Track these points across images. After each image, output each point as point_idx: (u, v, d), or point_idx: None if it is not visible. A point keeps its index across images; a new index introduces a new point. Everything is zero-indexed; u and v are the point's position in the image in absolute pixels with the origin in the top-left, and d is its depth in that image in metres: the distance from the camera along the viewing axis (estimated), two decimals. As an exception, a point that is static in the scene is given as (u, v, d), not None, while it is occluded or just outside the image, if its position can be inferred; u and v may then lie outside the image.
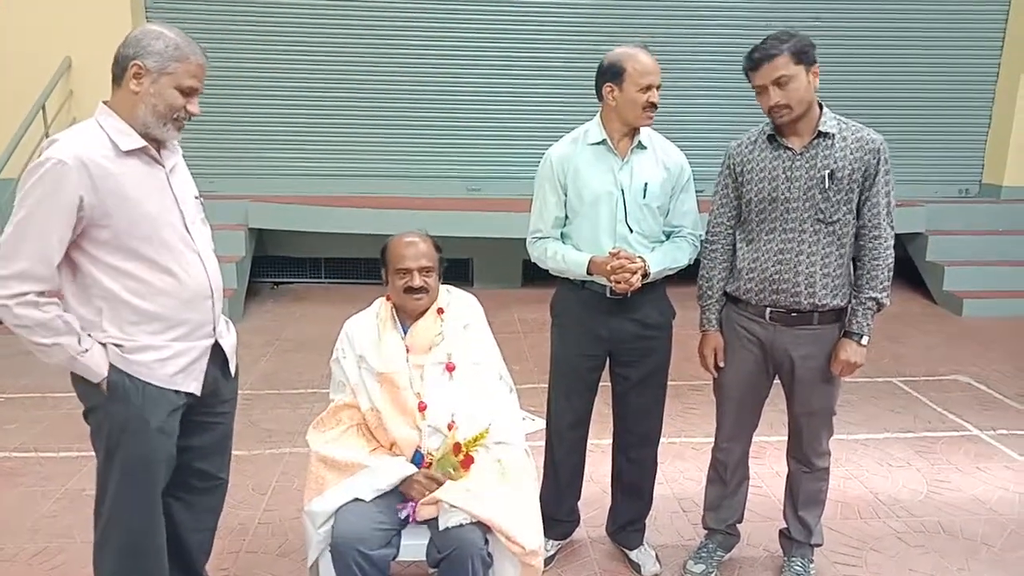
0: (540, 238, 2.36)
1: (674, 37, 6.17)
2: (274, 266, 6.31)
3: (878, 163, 2.13)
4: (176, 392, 1.81)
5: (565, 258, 2.28)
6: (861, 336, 2.18)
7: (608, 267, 2.18)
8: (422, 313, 2.11)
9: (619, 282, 2.17)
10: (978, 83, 6.59)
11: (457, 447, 1.98)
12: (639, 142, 2.27)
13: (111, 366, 1.73)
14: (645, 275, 2.19)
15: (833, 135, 2.13)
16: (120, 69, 1.72)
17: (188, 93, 1.75)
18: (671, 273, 2.32)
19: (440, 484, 1.93)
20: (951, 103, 6.60)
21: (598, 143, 2.27)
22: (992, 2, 6.43)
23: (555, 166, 2.31)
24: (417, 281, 2.05)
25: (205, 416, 1.94)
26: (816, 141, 2.14)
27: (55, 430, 3.46)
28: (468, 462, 1.98)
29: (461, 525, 1.85)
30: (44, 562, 2.51)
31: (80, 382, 1.76)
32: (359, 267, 6.37)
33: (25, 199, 1.64)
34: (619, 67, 2.19)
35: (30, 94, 5.35)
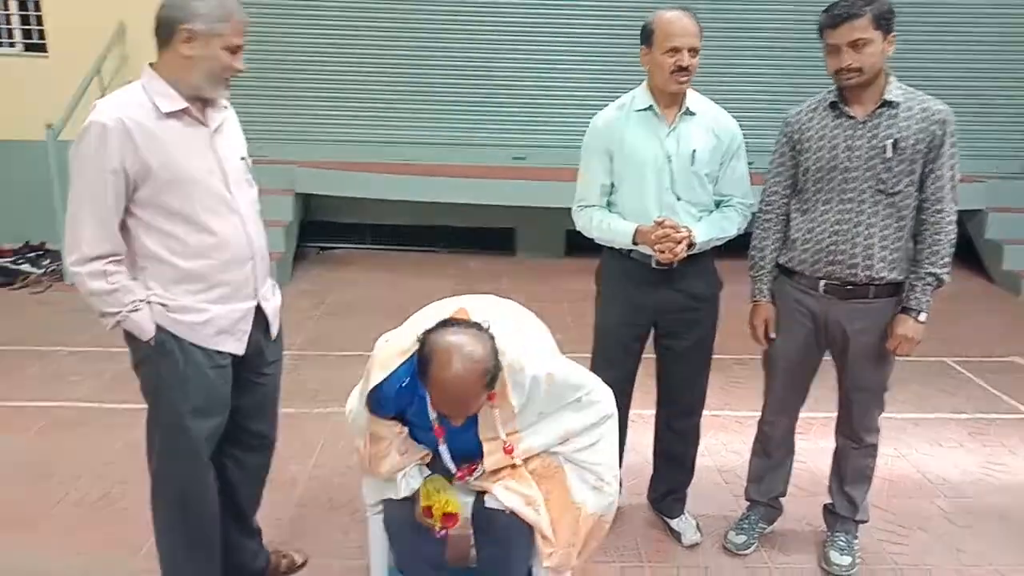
0: (586, 207, 2.35)
1: (725, 2, 5.99)
2: (320, 231, 6.39)
3: (944, 135, 2.06)
4: (219, 352, 1.86)
5: (611, 227, 2.27)
6: (919, 312, 2.13)
7: (652, 236, 2.16)
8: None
9: (663, 252, 2.14)
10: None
11: (427, 510, 1.82)
12: (687, 108, 2.23)
13: (156, 324, 1.78)
14: (691, 245, 2.17)
15: (898, 104, 2.06)
16: (167, 33, 1.73)
17: (234, 51, 1.77)
18: (719, 243, 2.28)
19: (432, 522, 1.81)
20: (1013, 75, 6.28)
21: (644, 109, 2.24)
22: (1063, -31, 6.10)
23: (601, 133, 2.28)
24: (456, 420, 1.73)
25: (251, 376, 1.99)
26: (880, 110, 2.08)
27: (116, 383, 3.60)
28: (446, 520, 1.80)
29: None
30: (107, 506, 2.64)
31: (128, 338, 1.83)
32: (403, 233, 6.42)
33: (75, 167, 1.70)
34: (650, 29, 2.15)
35: (86, 60, 5.47)
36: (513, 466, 1.82)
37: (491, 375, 1.65)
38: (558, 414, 1.81)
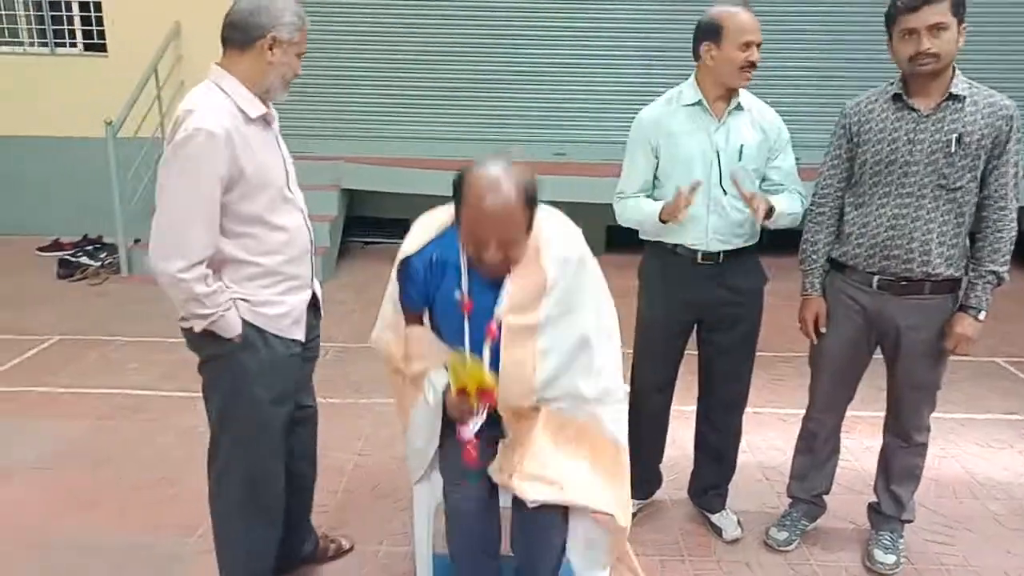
0: (623, 198, 2.37)
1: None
2: (365, 226, 6.51)
3: (1010, 130, 2.02)
4: (293, 340, 1.94)
5: (640, 208, 2.28)
6: (979, 311, 2.10)
7: (676, 204, 2.13)
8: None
9: (756, 208, 2.12)
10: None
11: (460, 391, 1.71)
12: (737, 104, 2.23)
13: (241, 319, 1.84)
14: (769, 215, 2.17)
15: (964, 98, 2.03)
16: (249, 37, 1.77)
17: (301, 56, 1.85)
18: (788, 222, 2.26)
19: (470, 402, 1.71)
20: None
21: (693, 104, 2.24)
22: None
23: (647, 127, 2.29)
24: (488, 253, 1.64)
25: (303, 352, 2.05)
26: (945, 104, 2.04)
27: (171, 371, 3.75)
28: (482, 395, 1.70)
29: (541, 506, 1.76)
30: (163, 490, 2.75)
31: (197, 335, 1.84)
32: (445, 229, 6.48)
33: (182, 172, 1.71)
34: (718, 25, 2.15)
35: (143, 59, 5.66)
36: (536, 409, 1.76)
37: (531, 195, 1.62)
38: (578, 311, 1.75)
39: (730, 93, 2.23)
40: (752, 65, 2.15)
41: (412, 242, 1.78)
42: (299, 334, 1.96)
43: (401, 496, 2.71)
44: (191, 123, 1.69)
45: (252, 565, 2.06)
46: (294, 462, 2.14)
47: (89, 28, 6.21)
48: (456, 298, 1.74)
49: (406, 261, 1.78)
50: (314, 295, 2.05)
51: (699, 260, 2.26)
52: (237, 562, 2.06)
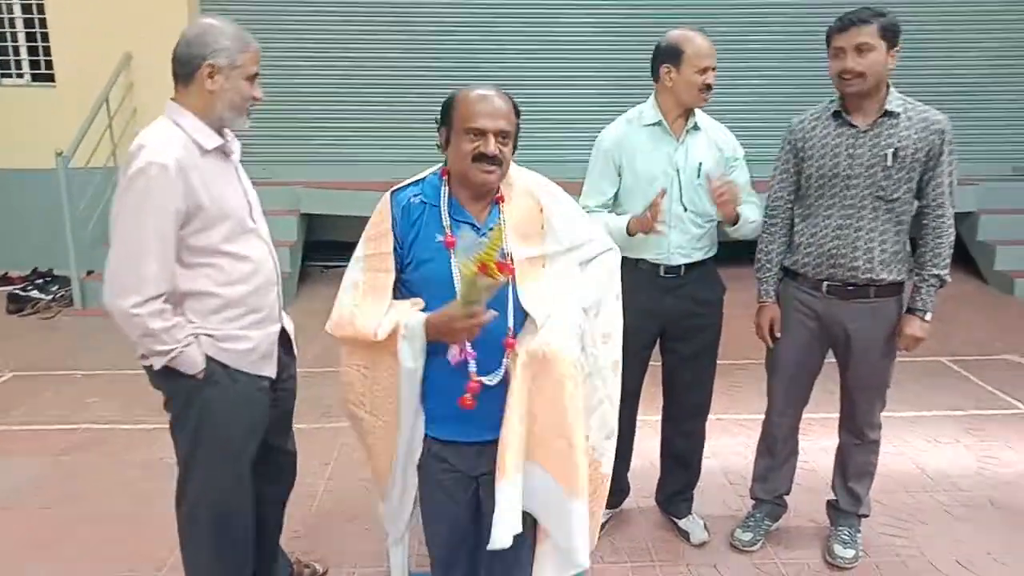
0: (588, 211, 2.43)
1: (724, 20, 6.13)
2: (325, 251, 6.49)
3: (943, 143, 2.16)
4: (260, 376, 1.92)
5: (607, 224, 2.34)
6: (926, 312, 2.23)
7: (646, 216, 2.21)
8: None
9: (725, 204, 2.21)
10: (1033, 58, 6.43)
11: (483, 267, 1.49)
12: (694, 124, 2.33)
13: (205, 355, 1.81)
14: (735, 221, 2.27)
15: (899, 114, 2.16)
16: (189, 69, 1.77)
17: (252, 79, 1.83)
18: (749, 231, 2.36)
19: (478, 308, 1.54)
20: (1003, 80, 6.43)
21: (653, 124, 2.34)
22: (1048, -26, 6.25)
23: (610, 147, 2.38)
24: (490, 147, 1.61)
25: (274, 392, 2.04)
26: (881, 120, 2.17)
27: (132, 403, 3.68)
28: (501, 267, 1.51)
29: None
30: (129, 524, 2.71)
31: (158, 373, 1.81)
32: (405, 251, 6.52)
33: (133, 207, 1.69)
34: (677, 49, 2.25)
35: (93, 89, 5.58)
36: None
37: (516, 108, 1.67)
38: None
39: (687, 113, 2.33)
40: (708, 88, 2.26)
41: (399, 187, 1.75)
42: (268, 370, 1.94)
43: (372, 522, 2.72)
44: (143, 157, 1.69)
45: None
46: (266, 506, 2.12)
47: (36, 59, 6.10)
48: (438, 240, 1.65)
49: (395, 193, 1.72)
50: (284, 332, 2.03)
51: (662, 273, 2.35)
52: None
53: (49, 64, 6.04)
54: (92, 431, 3.45)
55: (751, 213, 2.36)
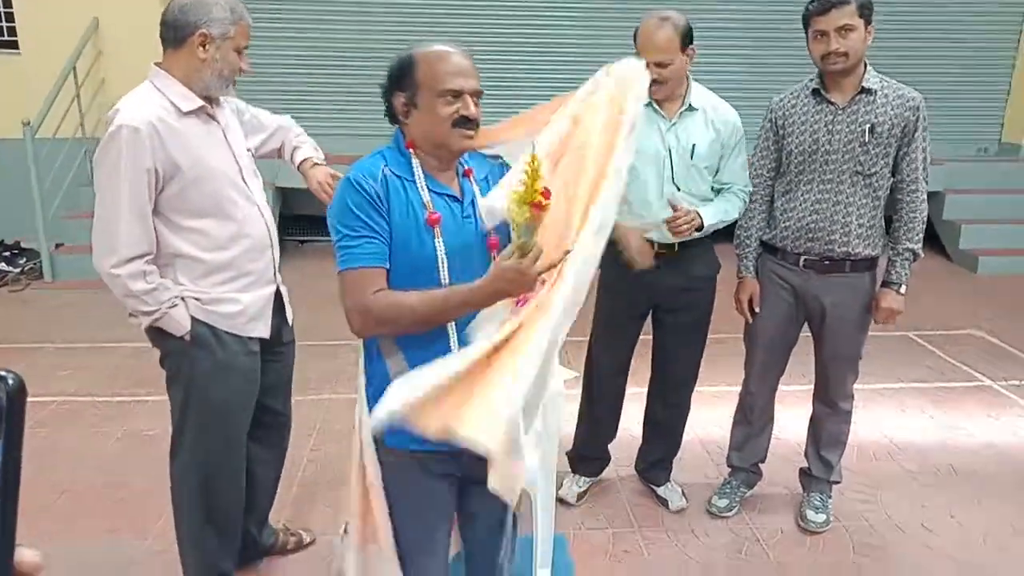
0: None
1: (704, 4, 6.16)
2: (300, 225, 6.44)
3: (917, 120, 2.21)
4: (250, 338, 1.95)
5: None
6: (900, 285, 2.30)
7: (640, 235, 2.22)
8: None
9: (679, 231, 2.21)
10: (999, 41, 6.55)
11: (536, 205, 1.30)
12: (689, 104, 2.31)
13: (192, 318, 1.84)
14: (699, 228, 2.26)
15: (875, 91, 2.21)
16: (180, 35, 1.78)
17: (241, 52, 1.85)
18: (721, 227, 2.38)
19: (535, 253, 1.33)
20: (971, 60, 6.56)
21: (645, 105, 2.34)
22: (1016, -41, 6.37)
23: None
24: (472, 109, 1.43)
25: (268, 357, 2.07)
26: (859, 97, 2.22)
27: (107, 376, 3.64)
28: (547, 195, 1.32)
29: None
30: (111, 494, 2.70)
31: (151, 331, 1.87)
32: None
33: (108, 170, 1.73)
34: (635, 39, 2.26)
35: (60, 57, 5.42)
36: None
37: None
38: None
39: (682, 94, 2.30)
40: (655, 82, 2.17)
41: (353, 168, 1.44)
42: (259, 331, 1.97)
43: (357, 487, 2.75)
44: (116, 121, 1.72)
45: (213, 559, 2.07)
46: (259, 466, 2.15)
47: (-1, 24, 5.91)
48: (423, 217, 1.43)
49: (359, 180, 1.40)
50: (279, 294, 2.04)
51: (657, 249, 2.37)
52: (199, 557, 2.06)
53: (13, 31, 5.84)
54: (67, 404, 3.41)
55: (723, 214, 2.31)
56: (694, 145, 2.32)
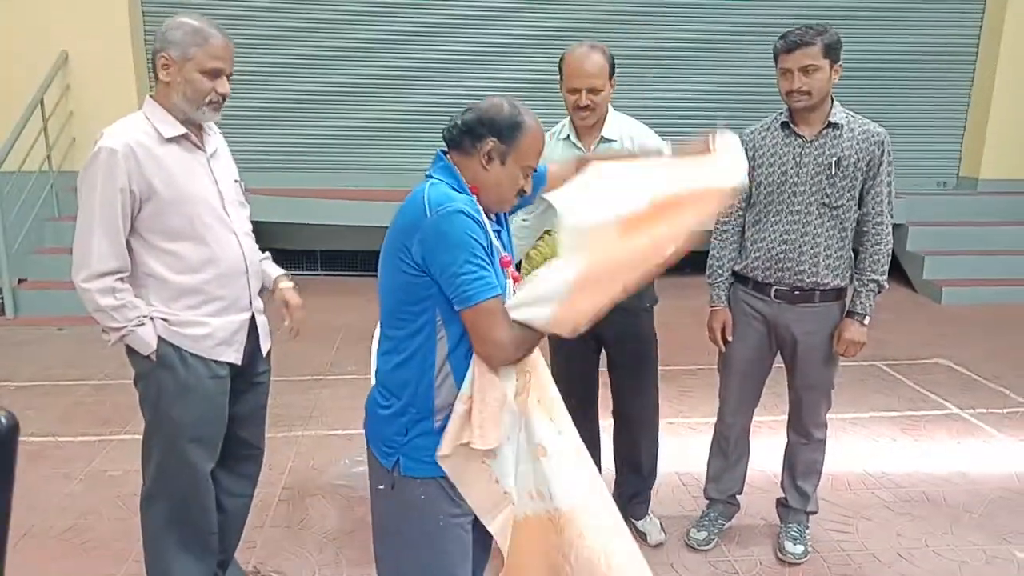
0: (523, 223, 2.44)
1: (681, 33, 6.31)
2: (273, 259, 6.38)
3: (882, 154, 2.28)
4: (217, 363, 1.92)
5: None
6: (864, 316, 2.34)
7: None
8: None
9: None
10: (955, 79, 6.82)
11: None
12: (603, 136, 2.35)
13: (159, 338, 1.85)
14: None
15: (842, 126, 2.28)
16: (153, 63, 1.85)
17: (214, 75, 1.84)
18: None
19: None
20: (929, 98, 6.81)
21: (565, 138, 2.39)
22: (969, -1, 6.66)
23: None
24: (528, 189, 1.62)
25: (242, 386, 2.05)
26: (826, 131, 2.28)
27: (69, 416, 3.54)
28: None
29: None
30: (74, 537, 2.60)
31: (132, 351, 1.89)
32: (353, 259, 6.46)
33: (87, 190, 1.78)
34: (560, 66, 2.30)
35: (28, 89, 5.36)
36: None
37: None
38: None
39: (590, 128, 2.34)
40: (583, 108, 2.25)
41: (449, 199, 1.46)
42: (228, 356, 1.95)
43: (329, 528, 2.69)
44: (98, 144, 1.78)
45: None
46: (228, 498, 2.12)
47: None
48: (497, 257, 1.54)
49: (470, 212, 1.44)
50: (254, 323, 2.03)
51: None
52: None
53: (-21, 63, 5.77)
54: (30, 444, 3.28)
55: None
56: None
